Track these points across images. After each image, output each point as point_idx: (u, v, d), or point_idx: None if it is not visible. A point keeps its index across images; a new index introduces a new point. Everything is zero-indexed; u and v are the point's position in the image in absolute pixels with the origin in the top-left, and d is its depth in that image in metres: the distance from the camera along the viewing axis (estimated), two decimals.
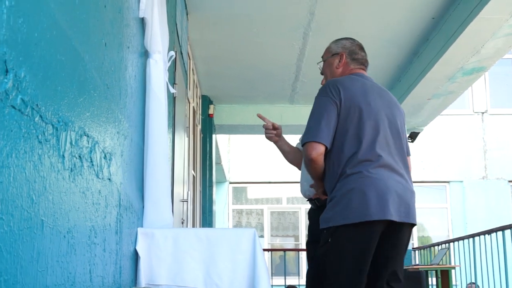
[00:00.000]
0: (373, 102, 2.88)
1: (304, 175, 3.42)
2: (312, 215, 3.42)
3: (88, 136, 1.87)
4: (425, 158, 13.97)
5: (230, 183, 14.85)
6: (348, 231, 2.72)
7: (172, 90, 3.47)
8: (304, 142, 2.85)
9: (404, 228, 2.83)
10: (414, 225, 2.87)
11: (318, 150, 2.80)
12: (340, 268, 2.73)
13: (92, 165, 1.93)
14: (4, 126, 1.19)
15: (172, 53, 3.45)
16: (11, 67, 1.22)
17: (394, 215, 2.73)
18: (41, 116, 1.41)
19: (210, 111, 9.11)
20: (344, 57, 3.06)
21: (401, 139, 2.94)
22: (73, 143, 1.70)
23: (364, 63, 3.10)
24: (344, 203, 2.74)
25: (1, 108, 1.18)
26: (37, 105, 1.38)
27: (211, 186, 9.03)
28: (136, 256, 2.79)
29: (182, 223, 5.57)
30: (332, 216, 2.77)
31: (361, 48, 3.12)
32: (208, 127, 9.03)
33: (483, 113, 14.24)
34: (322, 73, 3.19)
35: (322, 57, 3.19)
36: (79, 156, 1.77)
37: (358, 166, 2.77)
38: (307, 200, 3.46)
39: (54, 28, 1.50)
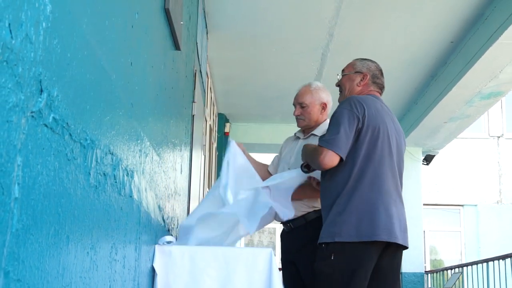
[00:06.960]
0: (389, 125, 2.98)
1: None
2: (285, 237, 3.54)
3: (112, 154, 1.90)
4: (439, 181, 13.91)
5: None
6: (356, 249, 2.78)
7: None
8: (321, 145, 2.87)
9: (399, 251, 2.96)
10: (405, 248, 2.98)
11: (334, 161, 2.85)
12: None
13: (115, 182, 1.96)
14: (37, 144, 1.22)
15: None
16: (45, 86, 1.25)
17: (399, 238, 2.86)
18: (70, 135, 1.44)
19: (226, 129, 9.15)
20: (368, 78, 3.14)
21: (401, 167, 3.05)
22: (99, 161, 1.73)
23: (381, 88, 3.19)
24: (354, 220, 2.80)
25: (34, 126, 1.21)
26: (67, 123, 1.41)
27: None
28: (153, 273, 2.80)
29: None
30: (338, 231, 2.82)
31: (382, 73, 3.21)
32: (224, 145, 9.05)
33: (499, 137, 14.19)
34: (337, 85, 3.24)
35: (343, 70, 3.24)
36: (104, 174, 1.80)
37: (367, 186, 2.85)
38: (281, 223, 3.47)
39: (85, 48, 1.53)
